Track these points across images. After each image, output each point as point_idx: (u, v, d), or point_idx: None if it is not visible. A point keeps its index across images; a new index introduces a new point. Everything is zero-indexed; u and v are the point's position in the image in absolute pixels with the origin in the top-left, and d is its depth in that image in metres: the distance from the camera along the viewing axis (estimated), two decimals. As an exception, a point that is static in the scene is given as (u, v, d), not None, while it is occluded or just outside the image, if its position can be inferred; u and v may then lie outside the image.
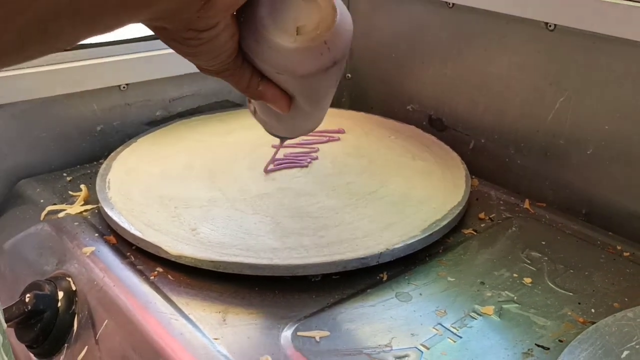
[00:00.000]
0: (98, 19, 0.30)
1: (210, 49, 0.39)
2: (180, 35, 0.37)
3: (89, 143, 0.85)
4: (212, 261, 0.59)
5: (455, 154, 0.81)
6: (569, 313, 0.57)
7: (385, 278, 0.61)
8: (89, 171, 0.82)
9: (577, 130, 0.75)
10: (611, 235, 0.70)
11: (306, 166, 0.77)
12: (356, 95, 1.05)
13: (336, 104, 1.04)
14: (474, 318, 0.56)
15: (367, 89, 1.03)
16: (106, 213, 0.67)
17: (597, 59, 0.71)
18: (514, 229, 0.71)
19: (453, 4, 0.84)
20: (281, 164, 0.77)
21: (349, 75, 1.05)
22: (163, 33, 0.37)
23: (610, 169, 0.73)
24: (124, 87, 0.85)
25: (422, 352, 0.52)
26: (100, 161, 0.83)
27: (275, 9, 0.41)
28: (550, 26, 0.73)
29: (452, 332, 0.54)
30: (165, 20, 0.35)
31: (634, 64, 0.68)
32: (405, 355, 0.51)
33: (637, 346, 0.50)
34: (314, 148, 0.82)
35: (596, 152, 0.74)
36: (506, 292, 0.60)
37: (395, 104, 0.97)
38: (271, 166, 0.76)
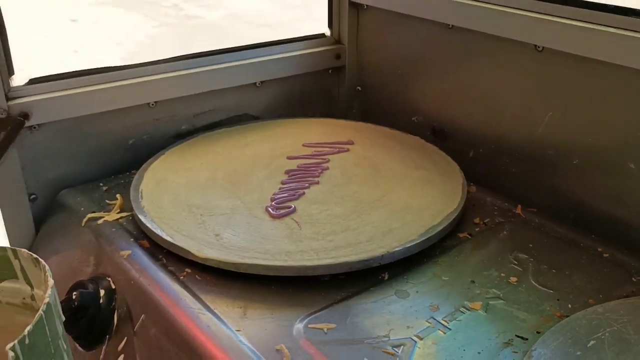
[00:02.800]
0: None
1: None
2: None
3: (121, 155, 0.94)
4: (234, 263, 0.68)
5: (454, 164, 0.89)
6: (548, 308, 0.65)
7: (386, 277, 0.69)
8: (122, 181, 0.91)
9: (564, 142, 0.82)
10: (594, 238, 0.77)
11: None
12: (366, 107, 1.13)
13: (347, 115, 1.12)
14: (463, 312, 0.64)
15: (375, 101, 1.11)
16: (140, 220, 0.75)
17: (581, 78, 0.78)
18: (505, 232, 0.78)
19: (452, 25, 0.91)
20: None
21: (359, 87, 1.13)
22: None
23: (594, 177, 0.80)
24: (152, 105, 0.93)
25: (415, 342, 0.60)
26: (132, 171, 0.92)
27: None
28: (539, 48, 0.81)
29: (443, 324, 0.62)
30: None
31: (614, 84, 0.75)
32: (401, 345, 0.59)
33: (603, 337, 0.57)
34: (325, 159, 0.90)
35: (581, 162, 0.81)
36: (493, 289, 0.68)
37: (402, 115, 1.05)
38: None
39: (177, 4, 5.67)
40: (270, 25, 4.87)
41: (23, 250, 0.55)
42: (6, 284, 0.57)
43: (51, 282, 0.51)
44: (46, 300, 0.49)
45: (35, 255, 0.54)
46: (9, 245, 0.85)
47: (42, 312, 0.47)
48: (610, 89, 0.76)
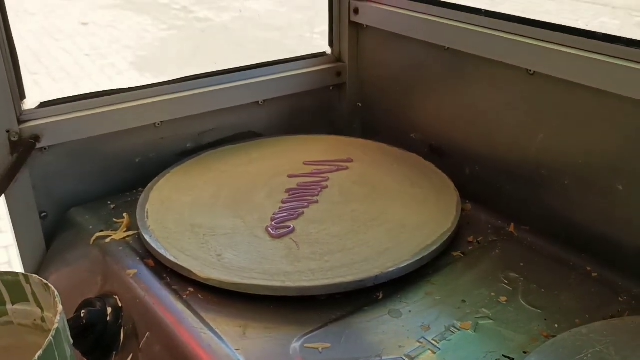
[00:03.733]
0: None
1: None
2: None
3: (128, 173, 0.97)
4: (235, 283, 0.71)
5: (450, 182, 0.92)
6: (536, 328, 0.67)
7: (380, 297, 0.72)
8: (129, 199, 0.94)
9: (556, 162, 0.84)
10: (584, 257, 0.79)
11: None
12: (366, 122, 1.16)
13: (348, 131, 1.15)
14: (453, 332, 0.67)
15: (376, 117, 1.14)
16: (146, 240, 0.79)
17: (571, 102, 0.80)
18: (497, 251, 0.81)
19: (448, 47, 0.94)
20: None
21: (360, 104, 1.16)
22: None
23: (584, 197, 0.82)
24: (158, 124, 0.97)
25: (406, 361, 0.63)
26: (139, 189, 0.95)
27: None
28: (530, 72, 0.83)
29: (433, 344, 0.65)
30: None
31: (601, 109, 0.77)
32: (392, 364, 0.62)
33: (585, 358, 0.60)
34: (325, 177, 0.93)
35: (572, 183, 0.83)
36: (483, 309, 0.70)
37: (401, 132, 1.08)
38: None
39: (186, 6, 5.72)
40: (280, 28, 4.91)
41: (34, 276, 0.59)
42: (18, 307, 0.61)
43: (60, 308, 0.54)
44: (55, 325, 0.52)
45: (45, 281, 0.58)
46: (21, 270, 0.89)
47: (51, 338, 0.51)
48: (598, 113, 0.78)
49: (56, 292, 0.56)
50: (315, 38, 4.64)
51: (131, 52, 4.34)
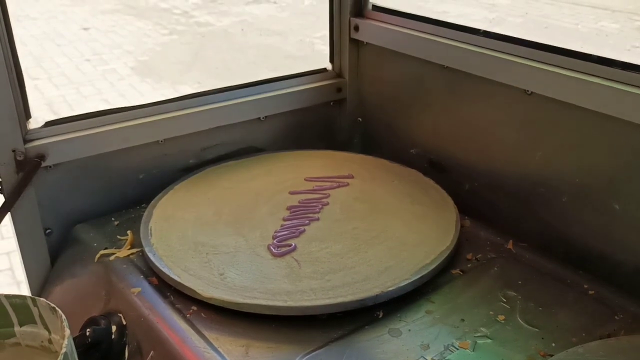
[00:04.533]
0: None
1: None
2: None
3: (132, 189, 0.99)
4: (237, 303, 0.72)
5: (449, 198, 0.93)
6: (533, 347, 0.68)
7: (381, 315, 0.74)
8: (132, 215, 0.96)
9: (554, 180, 0.86)
10: (581, 274, 0.80)
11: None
12: (366, 137, 1.17)
13: (348, 146, 1.17)
14: (452, 351, 0.68)
15: (376, 132, 1.15)
16: (150, 259, 0.80)
17: (567, 122, 0.82)
18: (496, 269, 0.82)
19: (447, 66, 0.95)
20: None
21: (360, 119, 1.17)
22: None
23: (582, 215, 0.84)
24: (161, 141, 0.98)
25: (405, 382, 0.64)
26: (143, 205, 0.97)
27: None
28: (528, 92, 0.84)
29: (432, 364, 0.66)
30: None
31: (597, 130, 0.78)
32: (392, 385, 0.63)
33: (581, 379, 0.61)
34: (325, 194, 0.95)
35: (570, 200, 0.84)
36: (482, 328, 0.71)
37: (400, 147, 1.09)
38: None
39: (187, 11, 5.74)
40: (281, 33, 4.93)
41: (41, 299, 0.60)
42: (26, 329, 0.62)
43: (67, 332, 0.56)
44: (63, 350, 0.53)
45: (52, 305, 0.59)
46: (27, 284, 0.90)
47: (59, 363, 0.52)
48: (595, 134, 0.79)
49: (63, 316, 0.57)
50: (315, 42, 4.65)
51: (132, 57, 4.35)
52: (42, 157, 0.87)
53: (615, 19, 5.85)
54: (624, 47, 5.01)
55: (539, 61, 0.82)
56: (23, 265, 0.92)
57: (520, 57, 0.84)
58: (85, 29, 5.05)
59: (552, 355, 0.66)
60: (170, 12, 5.65)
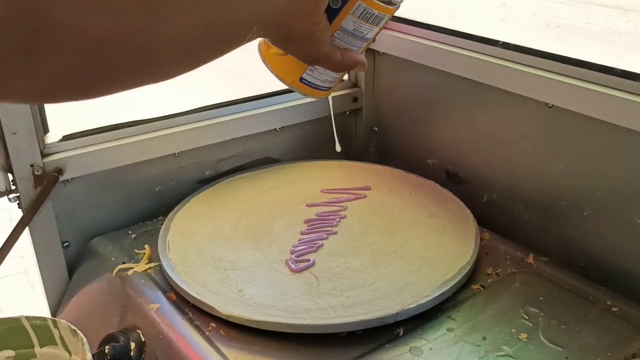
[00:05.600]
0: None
1: (324, 34, 0.50)
2: (308, 31, 0.47)
3: (149, 202, 0.98)
4: (257, 321, 0.72)
5: (468, 211, 0.92)
6: (557, 367, 0.68)
7: (401, 333, 0.73)
8: (150, 228, 0.95)
9: (575, 194, 0.85)
10: (604, 290, 0.79)
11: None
12: (382, 147, 1.17)
13: (364, 155, 1.16)
14: (474, 372, 0.67)
15: (392, 142, 1.14)
16: (168, 275, 0.80)
17: (588, 136, 0.81)
18: (516, 284, 0.81)
19: (465, 77, 0.94)
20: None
21: (376, 128, 1.16)
22: (288, 38, 0.47)
23: (604, 229, 0.83)
24: (178, 154, 0.98)
25: (428, 403, 0.63)
26: (160, 217, 0.96)
27: None
28: (549, 105, 0.83)
29: (455, 385, 0.65)
30: (294, 18, 0.45)
31: (619, 144, 0.77)
32: (415, 406, 0.63)
33: (607, 402, 0.60)
34: (343, 206, 0.94)
35: (592, 214, 0.83)
36: (504, 346, 0.71)
37: (417, 157, 1.08)
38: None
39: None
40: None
41: (62, 321, 0.60)
42: (47, 349, 0.62)
43: (89, 356, 0.56)
44: (85, 375, 0.53)
45: (73, 327, 0.59)
46: (44, 297, 0.90)
47: (82, 388, 0.52)
48: (618, 148, 0.78)
49: (85, 339, 0.57)
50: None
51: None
52: (59, 172, 0.87)
53: (628, 18, 5.81)
54: (636, 46, 4.98)
55: (559, 74, 0.81)
56: (41, 278, 0.92)
57: (540, 69, 0.83)
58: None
59: (576, 376, 0.65)
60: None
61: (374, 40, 0.63)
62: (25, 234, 0.89)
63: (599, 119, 0.77)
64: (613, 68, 0.76)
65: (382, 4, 0.58)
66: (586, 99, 0.78)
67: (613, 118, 0.75)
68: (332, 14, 0.58)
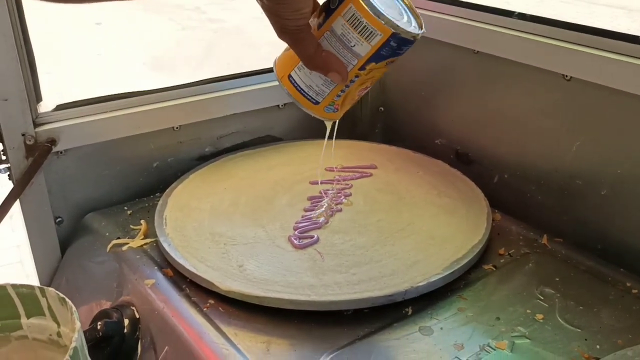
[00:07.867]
0: None
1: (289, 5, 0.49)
2: None
3: (146, 178, 0.94)
4: (258, 296, 0.68)
5: (479, 191, 0.88)
6: (576, 349, 0.64)
7: (410, 312, 0.69)
8: (146, 204, 0.91)
9: (592, 172, 0.81)
10: (622, 272, 0.75)
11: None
12: (388, 127, 1.13)
13: (369, 136, 1.12)
14: (488, 352, 0.63)
15: (398, 122, 1.10)
16: (165, 249, 0.76)
17: (610, 109, 0.77)
18: (530, 265, 0.77)
19: (478, 51, 0.90)
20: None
21: (382, 108, 1.12)
22: None
23: (622, 209, 0.79)
24: (177, 128, 0.94)
25: (440, 383, 0.59)
26: (157, 194, 0.92)
27: None
28: (567, 77, 0.79)
29: (467, 365, 0.61)
30: None
31: (642, 116, 0.73)
32: (425, 387, 0.59)
33: (632, 384, 0.56)
34: (348, 184, 0.90)
35: (610, 194, 0.79)
36: (519, 327, 0.67)
37: (425, 137, 1.04)
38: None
39: (199, 6, 5.71)
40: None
41: (50, 289, 0.56)
42: (34, 320, 0.58)
43: (78, 325, 0.52)
44: (73, 344, 0.49)
45: (62, 295, 0.55)
46: (35, 275, 0.86)
47: (69, 357, 0.48)
48: (637, 122, 0.74)
49: (74, 308, 0.53)
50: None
51: (144, 52, 4.32)
52: (52, 142, 0.83)
53: (632, 18, 5.77)
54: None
55: (578, 44, 0.77)
56: (32, 254, 0.88)
57: (558, 39, 0.79)
58: (97, 23, 5.03)
59: (597, 359, 0.61)
60: (182, 7, 5.62)
61: (380, 76, 0.64)
62: (17, 211, 0.85)
63: (622, 90, 0.73)
64: (637, 36, 0.72)
65: (371, 13, 0.57)
66: (608, 69, 0.74)
67: (636, 89, 0.72)
68: (328, 13, 0.59)
